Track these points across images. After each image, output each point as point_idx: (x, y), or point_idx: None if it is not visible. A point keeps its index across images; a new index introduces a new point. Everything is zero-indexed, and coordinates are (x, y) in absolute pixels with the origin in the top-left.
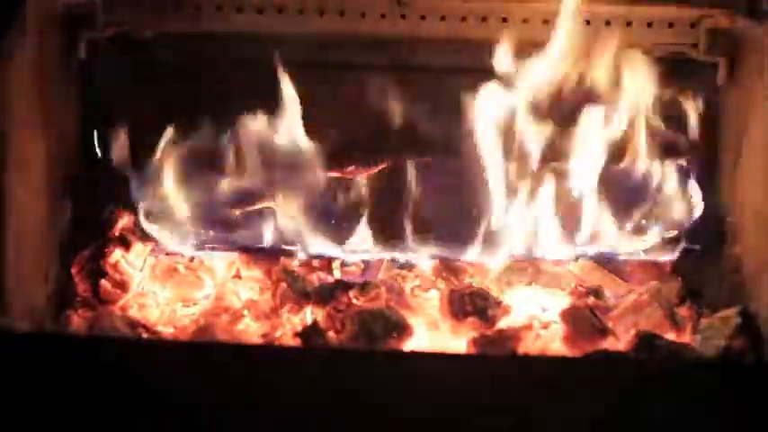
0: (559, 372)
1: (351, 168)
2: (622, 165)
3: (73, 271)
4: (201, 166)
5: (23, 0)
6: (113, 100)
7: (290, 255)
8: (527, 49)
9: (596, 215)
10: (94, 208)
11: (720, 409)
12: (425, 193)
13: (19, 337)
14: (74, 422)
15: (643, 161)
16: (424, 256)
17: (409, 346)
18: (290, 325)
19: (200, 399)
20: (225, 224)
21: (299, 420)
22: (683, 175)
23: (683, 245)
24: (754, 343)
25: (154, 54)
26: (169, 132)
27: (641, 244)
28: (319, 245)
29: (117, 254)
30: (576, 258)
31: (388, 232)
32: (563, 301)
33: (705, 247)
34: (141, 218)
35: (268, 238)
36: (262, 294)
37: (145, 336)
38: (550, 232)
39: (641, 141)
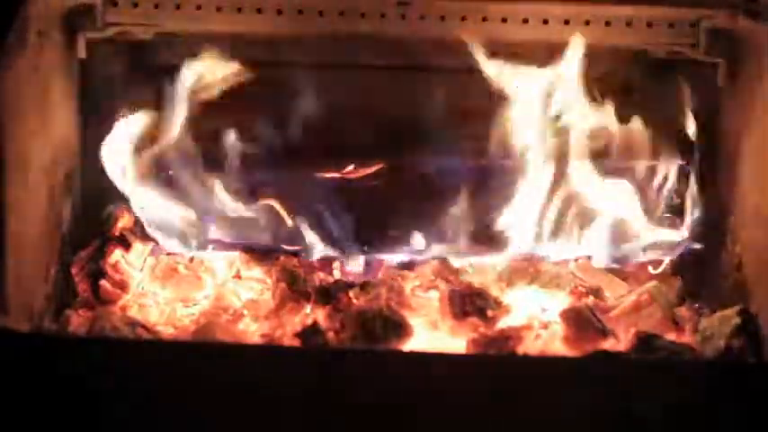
0: (559, 372)
1: (349, 168)
2: (622, 165)
3: (73, 271)
4: (201, 166)
5: (23, 0)
6: (113, 100)
7: (291, 255)
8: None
9: (596, 215)
10: (94, 208)
11: (720, 409)
12: (425, 192)
13: (18, 337)
14: (74, 422)
15: (643, 162)
16: (424, 256)
17: (409, 346)
18: (290, 325)
19: (200, 399)
20: (225, 224)
21: (299, 420)
22: (683, 175)
23: (683, 245)
24: (754, 343)
25: (154, 54)
26: (169, 132)
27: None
28: (319, 245)
29: (117, 254)
30: (576, 258)
31: (387, 232)
32: (563, 301)
33: (705, 247)
34: (141, 218)
35: (268, 238)
36: (262, 294)
37: (145, 336)
38: (551, 232)
39: (641, 141)
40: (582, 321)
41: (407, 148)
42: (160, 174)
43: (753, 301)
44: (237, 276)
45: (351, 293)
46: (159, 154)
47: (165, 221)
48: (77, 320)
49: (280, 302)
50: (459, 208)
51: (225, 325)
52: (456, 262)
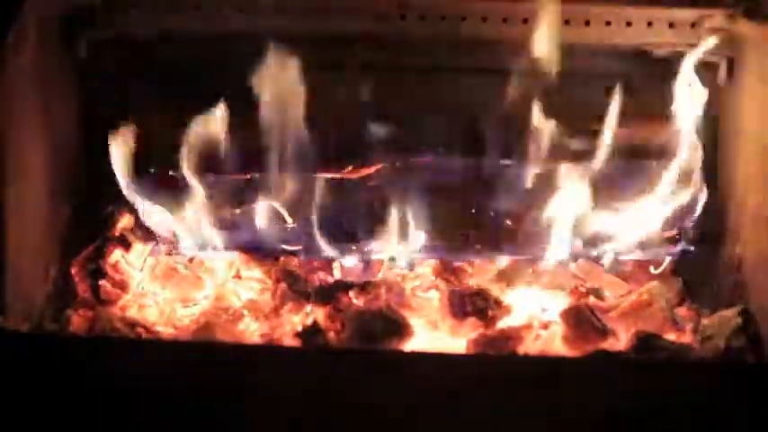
0: (559, 372)
1: (349, 168)
2: (622, 165)
3: (73, 271)
4: (201, 166)
5: (23, 0)
6: (113, 100)
7: (291, 255)
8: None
9: (596, 215)
10: (94, 208)
11: (720, 409)
12: (425, 192)
13: (19, 337)
14: (73, 422)
15: (643, 161)
16: (424, 256)
17: (409, 346)
18: (290, 325)
19: (200, 399)
20: (225, 224)
21: (299, 420)
22: (683, 174)
23: (682, 245)
24: (754, 343)
25: (154, 54)
26: (169, 132)
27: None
28: (319, 245)
29: (117, 254)
30: (576, 258)
31: (387, 232)
32: (563, 301)
33: (705, 247)
34: (142, 218)
35: (268, 237)
36: (262, 294)
37: (145, 336)
38: (551, 232)
39: (641, 141)
40: (582, 321)
41: (408, 148)
42: (162, 173)
43: (753, 301)
44: (237, 276)
45: (351, 293)
46: (160, 153)
47: (167, 222)
48: (77, 320)
49: (280, 302)
50: (459, 208)
51: (225, 325)
52: (456, 262)
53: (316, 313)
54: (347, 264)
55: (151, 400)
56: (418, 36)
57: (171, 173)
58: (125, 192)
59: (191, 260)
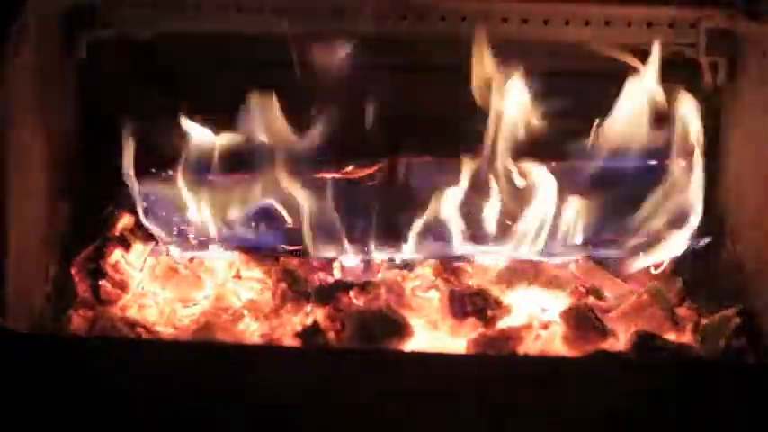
0: (559, 372)
1: (349, 168)
2: (622, 164)
3: (73, 271)
4: (202, 166)
5: (24, 0)
6: (113, 100)
7: (291, 255)
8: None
9: (596, 215)
10: (94, 208)
11: (720, 409)
12: (425, 192)
13: (18, 337)
14: (73, 422)
15: (643, 161)
16: (424, 257)
17: (409, 346)
18: (290, 325)
19: (200, 399)
20: (225, 224)
21: (299, 420)
22: (683, 174)
23: (683, 245)
24: (754, 343)
25: (154, 54)
26: (169, 132)
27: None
28: (319, 245)
29: (117, 254)
30: (576, 259)
31: (387, 232)
32: (563, 301)
33: (705, 247)
34: (142, 218)
35: (268, 237)
36: (262, 294)
37: (145, 336)
38: (551, 232)
39: (641, 141)
40: (582, 321)
41: (407, 148)
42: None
43: (753, 301)
44: (237, 276)
45: (351, 293)
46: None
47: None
48: (77, 320)
49: (280, 302)
50: (459, 208)
51: (225, 325)
52: (456, 262)
53: (316, 313)
54: (347, 264)
55: (151, 400)
56: (418, 36)
57: (171, 173)
58: (130, 191)
59: (191, 260)
